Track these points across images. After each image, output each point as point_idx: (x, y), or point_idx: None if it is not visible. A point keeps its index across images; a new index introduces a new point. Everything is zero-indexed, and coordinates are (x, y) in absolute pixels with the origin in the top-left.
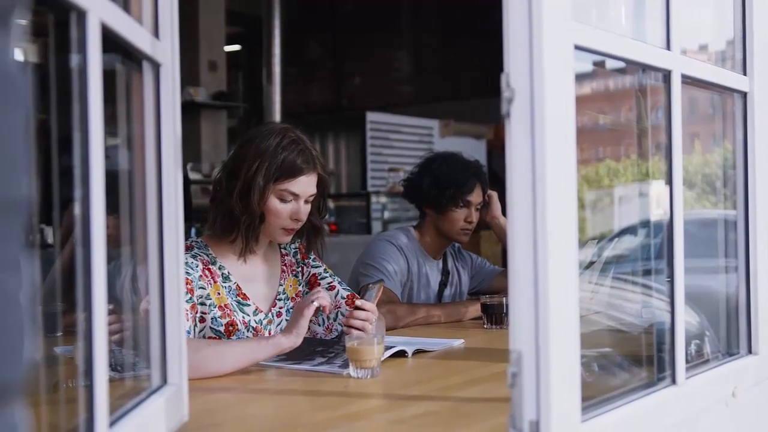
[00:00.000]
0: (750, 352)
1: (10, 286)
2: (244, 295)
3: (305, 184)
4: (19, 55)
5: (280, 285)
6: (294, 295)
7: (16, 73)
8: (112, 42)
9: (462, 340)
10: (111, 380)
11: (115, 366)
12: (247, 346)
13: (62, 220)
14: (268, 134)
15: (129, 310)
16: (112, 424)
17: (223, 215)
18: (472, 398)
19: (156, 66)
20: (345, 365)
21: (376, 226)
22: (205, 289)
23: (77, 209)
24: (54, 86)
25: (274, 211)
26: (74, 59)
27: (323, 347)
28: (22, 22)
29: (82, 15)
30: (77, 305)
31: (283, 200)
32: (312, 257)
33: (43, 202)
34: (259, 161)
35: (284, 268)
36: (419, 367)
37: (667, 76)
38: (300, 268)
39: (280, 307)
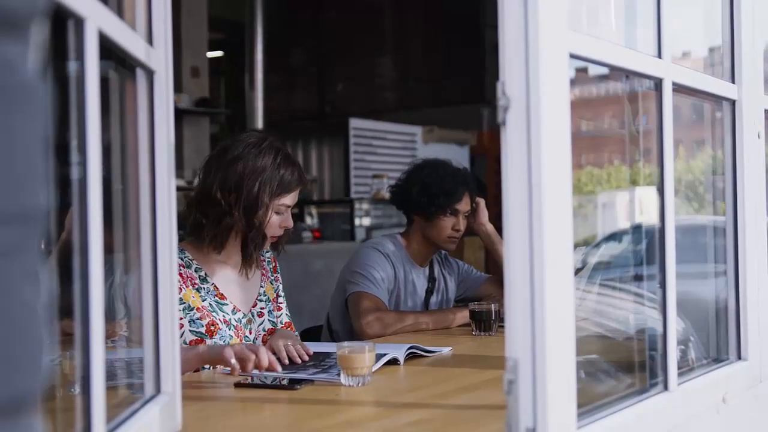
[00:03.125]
0: (739, 358)
1: (29, 297)
2: (222, 294)
3: (296, 195)
4: (37, 64)
5: (261, 286)
6: (272, 299)
7: (35, 83)
8: (106, 49)
9: (450, 348)
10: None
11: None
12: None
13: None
14: (259, 152)
15: (119, 318)
16: None
17: (225, 230)
18: (465, 405)
19: (150, 73)
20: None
21: (360, 233)
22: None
23: (75, 217)
24: (50, 93)
25: (270, 224)
26: (71, 66)
27: (315, 360)
28: (41, 30)
29: (80, 22)
30: (67, 313)
31: (278, 213)
32: (274, 275)
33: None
34: (260, 180)
35: (264, 271)
36: (410, 375)
37: (658, 84)
38: (273, 276)
39: (261, 308)
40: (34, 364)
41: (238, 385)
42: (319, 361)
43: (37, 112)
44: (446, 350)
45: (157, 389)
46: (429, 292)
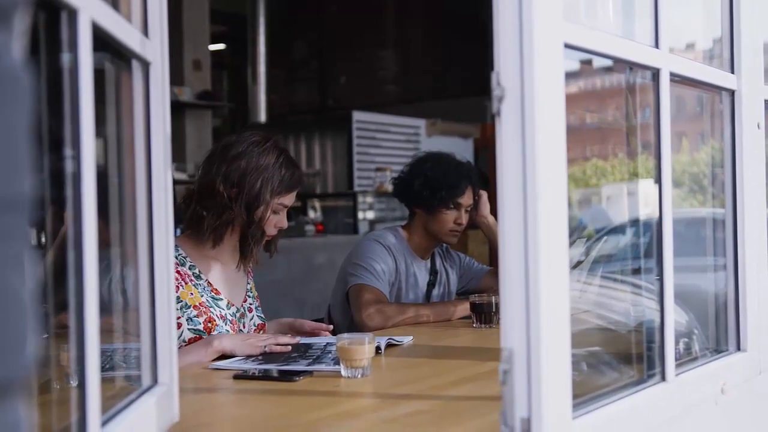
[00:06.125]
0: (738, 349)
1: (15, 284)
2: (216, 290)
3: (294, 197)
4: (21, 52)
5: (248, 283)
6: (256, 296)
7: (19, 71)
8: (101, 40)
9: (411, 337)
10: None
11: (103, 366)
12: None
13: (50, 220)
14: (262, 150)
15: (117, 311)
16: (104, 424)
17: (224, 224)
18: (463, 396)
19: (145, 65)
20: (337, 362)
21: (363, 226)
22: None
23: (68, 210)
24: (43, 85)
25: (268, 222)
26: (65, 58)
27: (297, 353)
28: (24, 19)
29: (73, 14)
30: (65, 306)
31: (275, 212)
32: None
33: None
34: (262, 177)
35: (250, 268)
36: (409, 367)
37: (655, 74)
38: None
39: (250, 304)
40: (19, 350)
41: (236, 377)
42: (303, 352)
43: (21, 100)
44: (407, 339)
45: (154, 380)
46: (431, 284)
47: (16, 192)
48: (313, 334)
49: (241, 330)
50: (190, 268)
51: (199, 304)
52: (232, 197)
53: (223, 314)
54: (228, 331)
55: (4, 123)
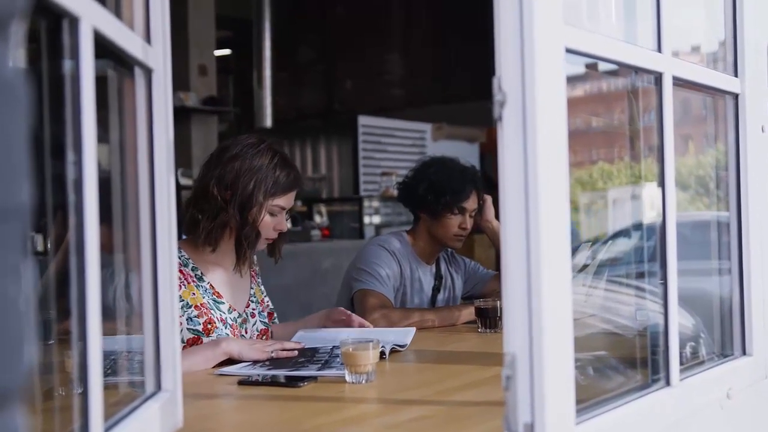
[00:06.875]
0: (744, 353)
1: (11, 292)
2: (218, 293)
3: (292, 199)
4: (18, 61)
5: (251, 288)
6: (260, 301)
7: (16, 80)
8: (103, 47)
9: (413, 329)
10: (104, 386)
11: (106, 371)
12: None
13: (55, 227)
14: (257, 152)
15: (122, 318)
16: (107, 430)
17: (219, 226)
18: (467, 402)
19: (148, 72)
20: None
21: (369, 231)
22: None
23: (71, 217)
24: (45, 92)
25: (264, 224)
26: (66, 65)
27: (304, 358)
28: (21, 29)
29: (74, 21)
30: (70, 313)
31: (272, 214)
32: (259, 279)
33: (33, 209)
34: (255, 178)
35: (253, 274)
36: (414, 372)
37: (658, 78)
38: (259, 279)
39: (253, 309)
40: (15, 359)
41: (240, 382)
42: (311, 357)
43: (18, 109)
44: (410, 330)
45: (158, 386)
46: (436, 289)
47: (13, 201)
48: (348, 323)
49: (243, 335)
50: (192, 270)
51: (201, 304)
52: (226, 199)
53: (223, 317)
54: (227, 334)
55: (1, 132)
